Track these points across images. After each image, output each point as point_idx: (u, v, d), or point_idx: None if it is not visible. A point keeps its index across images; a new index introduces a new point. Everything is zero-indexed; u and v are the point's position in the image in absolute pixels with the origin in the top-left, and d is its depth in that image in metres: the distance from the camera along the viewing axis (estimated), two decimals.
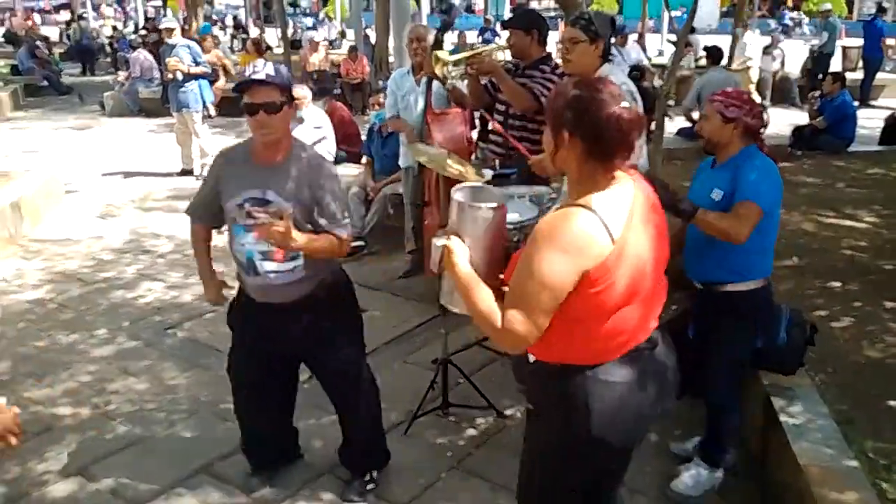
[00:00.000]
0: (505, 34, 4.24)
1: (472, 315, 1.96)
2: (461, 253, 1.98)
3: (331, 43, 18.52)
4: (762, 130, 2.88)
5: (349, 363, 3.03)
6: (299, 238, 2.61)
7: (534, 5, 37.17)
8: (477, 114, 4.80)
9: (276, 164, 2.72)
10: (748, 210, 2.70)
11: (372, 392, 3.14)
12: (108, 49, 20.82)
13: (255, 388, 3.04)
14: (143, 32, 17.06)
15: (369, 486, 3.13)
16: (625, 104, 1.83)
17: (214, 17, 27.11)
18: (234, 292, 2.99)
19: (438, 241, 1.99)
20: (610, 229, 1.81)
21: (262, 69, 2.64)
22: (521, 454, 2.22)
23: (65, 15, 29.64)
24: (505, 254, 2.14)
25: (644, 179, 2.03)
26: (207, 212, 2.93)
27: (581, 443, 1.96)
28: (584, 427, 1.93)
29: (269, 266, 2.77)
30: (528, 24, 4.08)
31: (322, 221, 2.75)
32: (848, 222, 5.84)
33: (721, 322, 2.93)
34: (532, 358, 2.02)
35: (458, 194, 2.14)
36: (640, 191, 1.93)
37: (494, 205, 2.07)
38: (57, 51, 19.10)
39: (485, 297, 1.91)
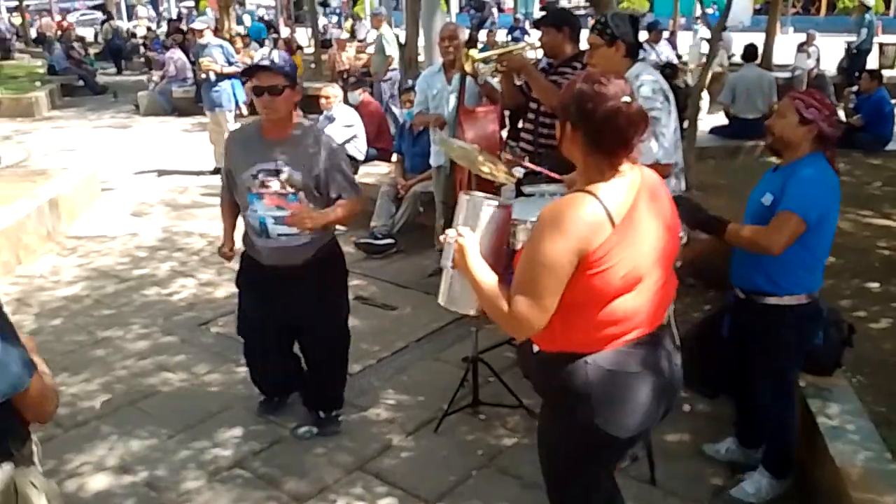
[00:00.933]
0: (535, 33, 4.24)
1: (483, 306, 2.01)
2: (472, 246, 2.01)
3: (361, 41, 18.56)
4: (834, 141, 2.72)
5: (342, 328, 3.47)
6: (327, 214, 3.09)
7: (563, 3, 36.99)
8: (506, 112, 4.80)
9: (284, 137, 3.07)
10: (785, 221, 2.60)
11: (347, 347, 3.55)
12: (141, 49, 21.14)
13: (260, 337, 3.45)
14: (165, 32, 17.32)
15: (340, 418, 3.57)
16: (626, 99, 1.85)
17: (266, 17, 27.35)
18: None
19: (450, 237, 2.02)
20: (611, 213, 1.85)
21: (268, 57, 2.98)
22: (537, 447, 2.24)
23: (71, 17, 30.02)
24: (509, 252, 2.21)
25: (660, 178, 2.05)
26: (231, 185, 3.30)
27: (583, 430, 1.98)
28: (587, 414, 1.95)
29: (280, 230, 3.09)
30: (560, 21, 4.07)
31: (334, 191, 3.13)
32: (885, 222, 5.73)
33: (762, 333, 2.86)
34: (536, 348, 2.05)
35: (465, 195, 2.18)
36: (645, 183, 1.95)
37: (498, 201, 2.12)
38: (92, 51, 19.44)
39: (494, 286, 1.94)
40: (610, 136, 1.86)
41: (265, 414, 3.67)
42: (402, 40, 13.23)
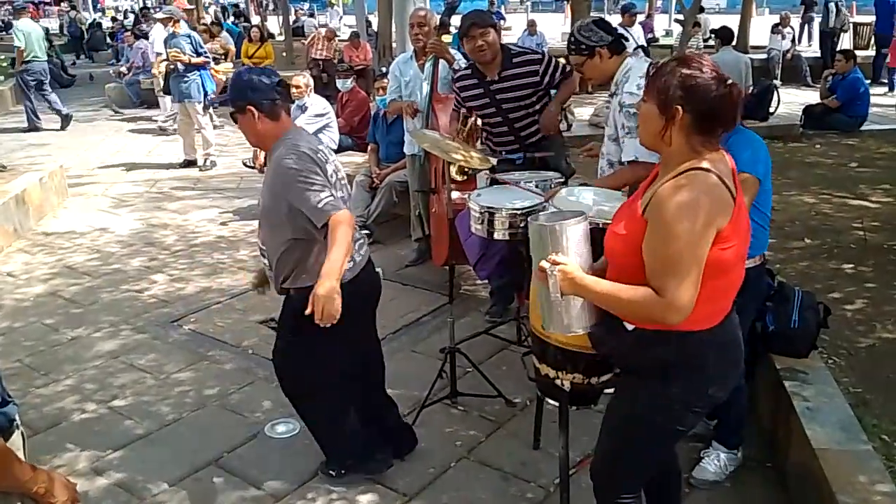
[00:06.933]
0: (511, 19, 4.16)
1: (622, 313, 1.98)
2: (576, 268, 1.97)
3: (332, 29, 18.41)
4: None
5: (303, 380, 3.02)
6: (331, 278, 2.52)
7: None
8: None
9: (269, 158, 2.83)
10: (744, 182, 2.65)
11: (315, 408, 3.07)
12: (108, 40, 20.82)
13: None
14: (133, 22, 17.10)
15: (331, 472, 3.13)
16: (731, 80, 1.89)
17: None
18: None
19: (549, 269, 1.95)
20: (730, 189, 1.88)
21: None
22: (605, 427, 2.24)
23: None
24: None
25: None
26: None
27: (690, 401, 2.03)
28: (701, 385, 2.01)
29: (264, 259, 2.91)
30: (492, 20, 4.04)
31: (305, 214, 2.66)
32: (861, 202, 5.77)
33: None
34: (631, 327, 2.00)
35: (541, 218, 2.11)
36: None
37: (583, 216, 2.07)
38: (57, 43, 19.09)
39: (628, 288, 1.91)
40: (723, 116, 1.89)
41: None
42: (376, 27, 13.09)
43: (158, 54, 10.56)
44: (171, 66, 8.34)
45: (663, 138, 1.92)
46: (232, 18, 20.86)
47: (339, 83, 7.65)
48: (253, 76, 2.75)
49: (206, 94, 8.51)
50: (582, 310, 2.05)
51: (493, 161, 3.57)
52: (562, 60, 4.10)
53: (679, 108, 1.87)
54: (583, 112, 9.53)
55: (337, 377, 3.00)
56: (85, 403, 3.76)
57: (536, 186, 3.44)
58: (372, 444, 3.15)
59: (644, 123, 1.97)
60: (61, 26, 24.74)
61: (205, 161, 8.56)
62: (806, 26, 17.08)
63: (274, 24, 22.30)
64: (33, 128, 10.97)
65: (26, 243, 6.18)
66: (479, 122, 4.04)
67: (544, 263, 1.97)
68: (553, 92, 4.08)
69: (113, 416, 3.64)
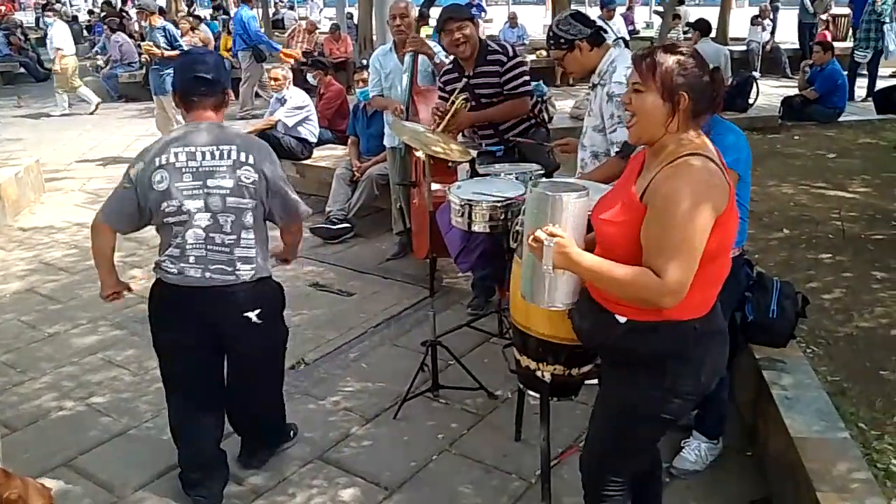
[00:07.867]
0: (492, 11, 4.18)
1: (618, 292, 1.94)
2: (572, 243, 1.93)
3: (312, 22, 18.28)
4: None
5: None
6: None
7: None
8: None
9: None
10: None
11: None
12: (85, 33, 20.54)
13: None
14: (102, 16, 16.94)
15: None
16: (711, 65, 1.95)
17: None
18: None
19: (546, 240, 1.89)
20: (724, 174, 1.91)
21: None
22: (595, 419, 2.24)
23: None
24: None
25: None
26: None
27: (685, 391, 2.03)
28: (693, 378, 2.01)
29: None
30: (470, 14, 4.09)
31: None
32: (839, 193, 5.81)
33: None
34: (623, 319, 1.98)
35: (541, 188, 2.04)
36: None
37: (585, 191, 2.02)
38: (33, 36, 18.82)
39: (625, 268, 1.89)
40: (715, 99, 1.94)
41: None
42: (356, 20, 12.99)
43: (58, 49, 11.02)
44: (146, 59, 8.25)
45: (669, 127, 1.91)
46: (211, 11, 20.65)
47: (309, 77, 7.67)
48: (187, 60, 2.77)
49: None
50: (567, 286, 2.03)
51: (473, 153, 3.56)
52: (526, 77, 4.12)
53: (685, 94, 1.88)
54: (564, 105, 9.53)
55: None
56: (63, 401, 3.71)
57: (517, 178, 3.43)
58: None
59: (646, 114, 1.92)
60: (37, 20, 24.35)
61: None
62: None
63: None
64: None
65: (2, 239, 6.10)
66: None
67: (540, 234, 1.91)
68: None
69: (91, 414, 3.60)
